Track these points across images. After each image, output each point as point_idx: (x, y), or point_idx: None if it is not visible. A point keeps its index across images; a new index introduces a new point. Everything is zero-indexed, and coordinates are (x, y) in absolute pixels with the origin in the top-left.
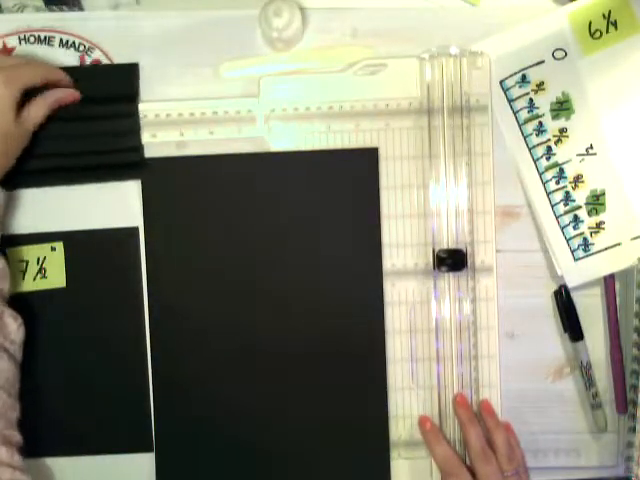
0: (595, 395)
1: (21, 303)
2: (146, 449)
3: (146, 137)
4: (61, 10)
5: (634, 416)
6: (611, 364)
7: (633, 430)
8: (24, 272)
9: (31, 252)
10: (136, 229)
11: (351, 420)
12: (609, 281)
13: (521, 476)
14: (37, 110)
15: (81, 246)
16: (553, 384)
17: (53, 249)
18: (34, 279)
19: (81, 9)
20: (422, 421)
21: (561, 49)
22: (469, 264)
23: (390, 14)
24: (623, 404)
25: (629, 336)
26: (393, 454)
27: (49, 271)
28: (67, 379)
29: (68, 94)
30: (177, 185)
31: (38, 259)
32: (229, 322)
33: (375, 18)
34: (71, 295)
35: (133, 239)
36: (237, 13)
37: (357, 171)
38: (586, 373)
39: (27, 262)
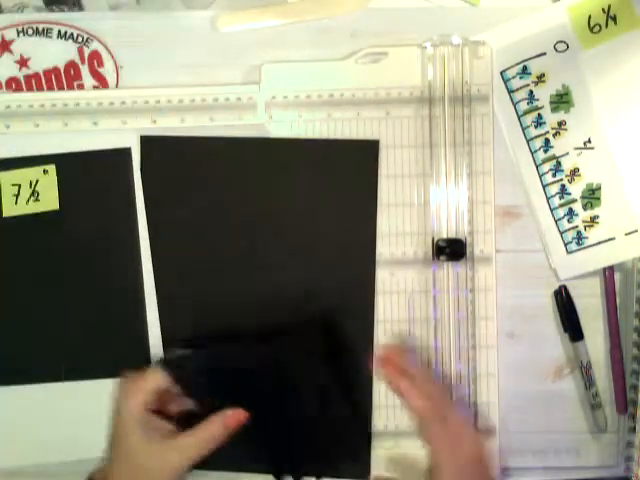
0: (595, 395)
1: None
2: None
3: (146, 123)
4: (61, 11)
5: (634, 416)
6: (611, 364)
7: (633, 430)
8: (17, 196)
9: (23, 175)
10: (128, 149)
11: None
12: (609, 281)
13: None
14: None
15: (73, 168)
16: (553, 384)
17: (45, 172)
18: (27, 202)
19: (81, 9)
20: (387, 374)
21: (563, 42)
22: (468, 254)
23: (389, 14)
24: (623, 404)
25: (629, 336)
26: (378, 444)
27: (42, 194)
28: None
29: (242, 414)
30: (176, 167)
31: (30, 182)
32: (228, 301)
33: (374, 18)
34: (65, 217)
35: (125, 159)
36: None
37: (357, 162)
38: (586, 373)
39: (20, 186)
